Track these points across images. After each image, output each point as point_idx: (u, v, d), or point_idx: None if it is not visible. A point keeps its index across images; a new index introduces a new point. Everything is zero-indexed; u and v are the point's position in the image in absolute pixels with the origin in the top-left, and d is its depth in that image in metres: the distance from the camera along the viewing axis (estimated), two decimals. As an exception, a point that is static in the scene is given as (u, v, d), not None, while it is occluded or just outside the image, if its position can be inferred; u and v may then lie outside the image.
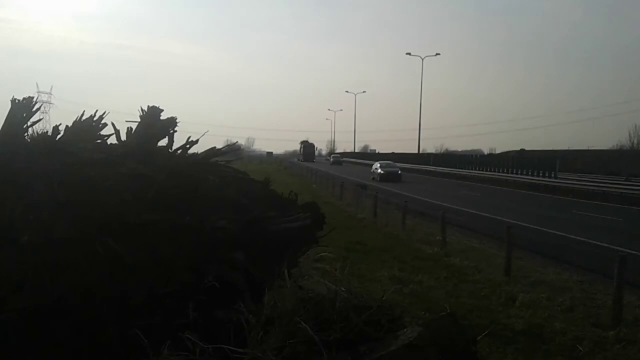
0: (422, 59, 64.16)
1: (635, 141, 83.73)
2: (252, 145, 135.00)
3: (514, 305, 7.57)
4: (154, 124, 4.04)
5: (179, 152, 4.03)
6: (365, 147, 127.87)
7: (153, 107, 4.14)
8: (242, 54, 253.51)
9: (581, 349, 5.88)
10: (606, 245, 13.35)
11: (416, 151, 66.02)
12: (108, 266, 3.07)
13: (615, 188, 30.08)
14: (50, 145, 3.69)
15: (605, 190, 29.97)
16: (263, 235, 3.56)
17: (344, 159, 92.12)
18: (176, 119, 4.21)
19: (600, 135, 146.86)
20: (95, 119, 4.03)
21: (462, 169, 49.29)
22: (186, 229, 3.29)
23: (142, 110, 4.13)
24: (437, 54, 67.11)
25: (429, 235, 13.65)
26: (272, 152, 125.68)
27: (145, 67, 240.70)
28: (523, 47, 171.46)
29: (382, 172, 40.88)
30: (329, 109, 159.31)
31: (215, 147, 4.22)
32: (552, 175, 36.67)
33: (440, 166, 53.55)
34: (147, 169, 3.54)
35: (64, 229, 3.07)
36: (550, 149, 62.32)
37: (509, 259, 9.67)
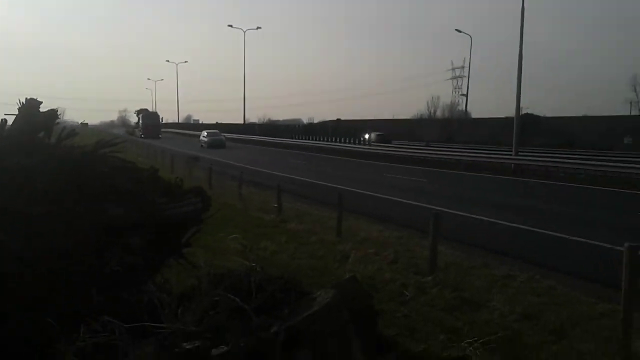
0: (244, 32, 64.18)
1: (433, 110, 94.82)
2: (63, 116, 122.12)
3: (348, 262, 8.42)
4: (35, 116, 3.82)
5: (62, 143, 3.86)
6: (188, 117, 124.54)
7: (32, 99, 3.92)
8: (45, 15, 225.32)
9: (407, 293, 6.84)
10: (415, 203, 15.24)
11: (241, 121, 66.46)
12: (3, 261, 2.91)
13: (420, 153, 33.90)
14: None
15: (411, 154, 33.59)
16: (156, 220, 3.64)
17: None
18: (57, 111, 4.04)
19: (404, 105, 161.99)
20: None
21: (287, 138, 51.07)
22: (82, 219, 3.24)
23: (20, 102, 3.91)
24: (258, 27, 67.59)
25: (265, 204, 14.19)
26: (87, 123, 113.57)
27: None
28: (337, 23, 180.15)
29: (208, 140, 49.38)
30: (148, 79, 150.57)
31: (103, 138, 4.13)
32: (367, 143, 39.96)
33: (266, 136, 54.74)
34: (33, 162, 3.36)
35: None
36: (361, 118, 67.33)
37: (339, 221, 10.61)
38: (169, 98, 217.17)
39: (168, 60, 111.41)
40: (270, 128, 61.74)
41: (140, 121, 76.61)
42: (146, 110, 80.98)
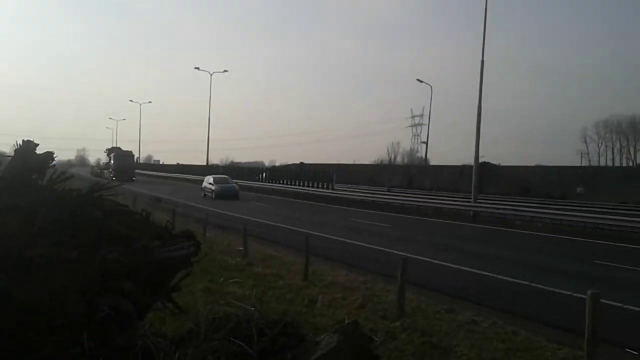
0: (211, 75, 64.83)
1: (393, 156, 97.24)
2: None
3: (316, 306, 8.43)
4: (31, 157, 3.84)
5: (56, 186, 3.87)
6: (149, 157, 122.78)
7: (28, 141, 3.95)
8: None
9: (377, 339, 6.87)
10: (380, 248, 15.43)
11: (202, 162, 66.32)
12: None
13: (382, 198, 34.41)
14: None
15: (374, 199, 34.04)
16: (148, 264, 3.65)
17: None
18: (53, 153, 4.07)
19: (364, 150, 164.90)
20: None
21: (250, 180, 51.04)
22: (75, 262, 3.23)
23: (16, 144, 3.94)
24: (225, 70, 68.34)
25: (229, 246, 14.10)
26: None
27: None
28: (300, 68, 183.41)
29: (215, 188, 37.00)
30: (110, 118, 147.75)
31: (98, 182, 4.16)
32: (330, 187, 40.32)
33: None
34: (28, 203, 3.36)
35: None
36: (323, 162, 68.14)
37: (306, 265, 10.63)
38: (129, 138, 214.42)
39: (132, 100, 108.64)
40: (234, 170, 61.49)
41: (112, 161, 64.75)
42: (119, 149, 69.39)
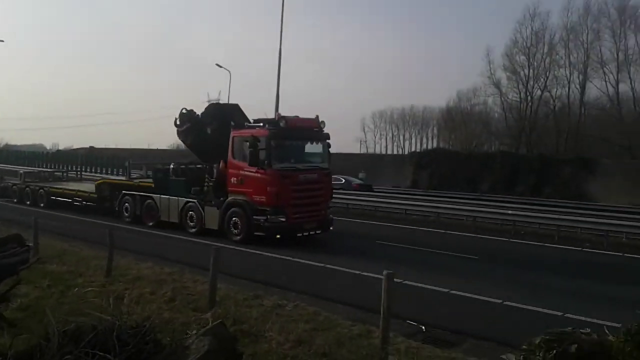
0: (-20, 43, 55.27)
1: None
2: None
3: (123, 303, 8.06)
4: None
5: None
6: None
7: None
8: None
9: (189, 332, 6.87)
10: (186, 238, 15.25)
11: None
12: None
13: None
14: None
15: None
16: None
17: None
18: None
19: (161, 134, 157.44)
20: None
21: (31, 166, 45.49)
22: None
23: None
24: (1, 40, 59.07)
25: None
26: None
27: None
28: (89, 46, 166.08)
29: None
30: None
31: None
32: (126, 175, 38.00)
33: (7, 164, 47.66)
34: None
35: None
36: (115, 147, 64.28)
37: (110, 260, 10.08)
38: None
39: None
40: (12, 154, 53.76)
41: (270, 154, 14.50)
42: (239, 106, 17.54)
